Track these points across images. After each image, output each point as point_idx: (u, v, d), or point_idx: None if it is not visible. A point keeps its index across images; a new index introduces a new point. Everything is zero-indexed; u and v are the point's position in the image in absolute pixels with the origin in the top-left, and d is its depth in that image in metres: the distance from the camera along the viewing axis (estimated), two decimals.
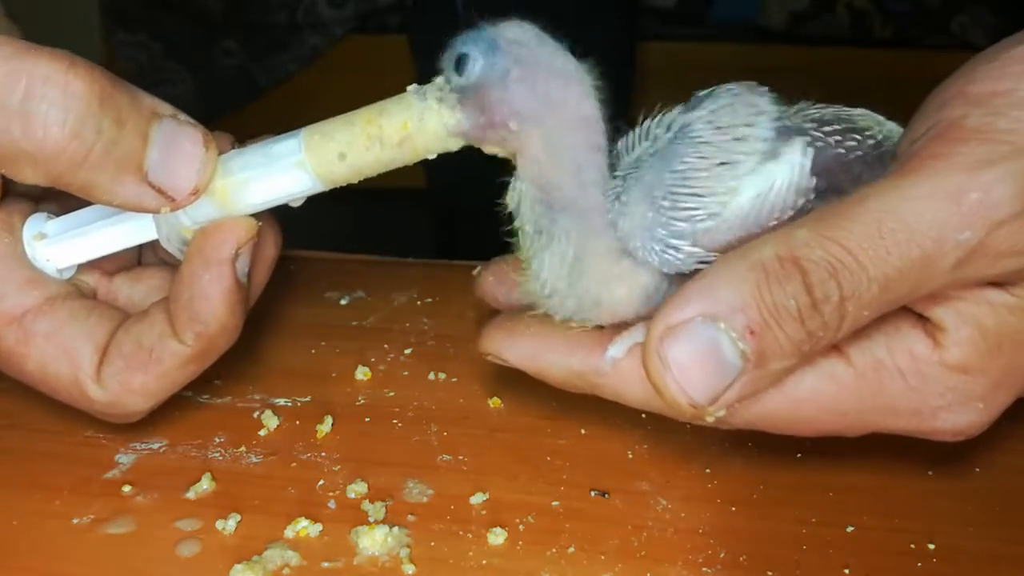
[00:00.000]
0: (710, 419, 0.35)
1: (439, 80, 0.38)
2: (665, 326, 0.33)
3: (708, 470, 0.43)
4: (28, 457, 0.45)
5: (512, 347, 0.40)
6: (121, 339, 0.41)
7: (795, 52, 1.93)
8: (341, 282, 0.58)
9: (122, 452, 0.45)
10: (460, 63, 0.37)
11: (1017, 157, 0.33)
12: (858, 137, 0.37)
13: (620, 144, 0.40)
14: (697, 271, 0.36)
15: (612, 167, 0.39)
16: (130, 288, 0.45)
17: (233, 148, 0.41)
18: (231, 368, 0.51)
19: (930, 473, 0.43)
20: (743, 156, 0.36)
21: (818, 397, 0.36)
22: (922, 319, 0.35)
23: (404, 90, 0.39)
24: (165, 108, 0.39)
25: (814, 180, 0.36)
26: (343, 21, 1.97)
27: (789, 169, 0.36)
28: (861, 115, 0.39)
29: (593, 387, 0.39)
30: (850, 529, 0.41)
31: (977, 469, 0.43)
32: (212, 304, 0.40)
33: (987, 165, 0.33)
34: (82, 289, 0.44)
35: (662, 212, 0.36)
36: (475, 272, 0.44)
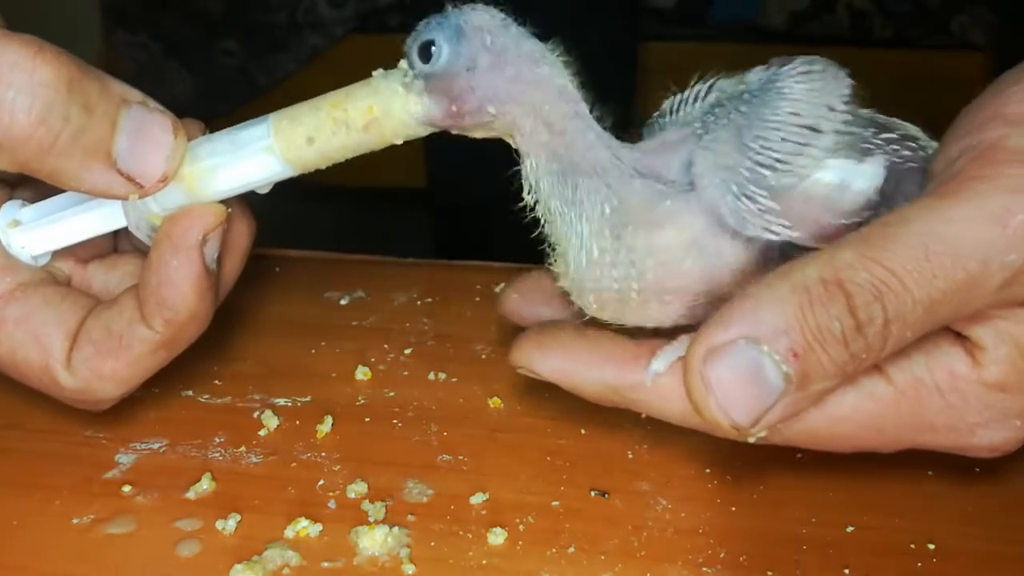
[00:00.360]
0: (751, 439, 0.35)
1: (403, 65, 0.38)
2: (707, 347, 0.33)
3: (708, 470, 0.43)
4: (28, 457, 0.45)
5: (544, 360, 0.39)
6: (91, 325, 0.41)
7: (795, 52, 1.93)
8: (341, 282, 0.58)
9: (122, 452, 0.45)
10: (425, 50, 0.37)
11: None
12: (913, 145, 0.37)
13: (665, 105, 0.39)
14: (763, 232, 0.35)
15: (651, 129, 0.38)
16: (104, 275, 0.45)
17: (203, 135, 0.41)
18: (231, 368, 0.51)
19: (930, 473, 0.43)
20: (827, 128, 0.36)
21: (858, 415, 0.36)
22: (960, 337, 0.35)
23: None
24: (134, 94, 0.38)
25: (879, 198, 0.36)
26: (343, 21, 1.97)
27: (870, 178, 0.36)
28: (899, 122, 0.39)
29: (628, 402, 0.38)
30: (850, 529, 0.41)
31: (977, 469, 0.43)
32: (179, 290, 0.40)
33: None
34: (57, 276, 0.44)
35: (749, 154, 0.35)
36: (497, 290, 0.44)
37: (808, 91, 0.36)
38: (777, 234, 0.36)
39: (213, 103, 1.97)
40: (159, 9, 2.00)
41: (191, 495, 0.43)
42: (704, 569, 0.39)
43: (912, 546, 0.40)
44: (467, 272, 0.60)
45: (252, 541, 0.40)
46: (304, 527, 0.41)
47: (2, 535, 0.41)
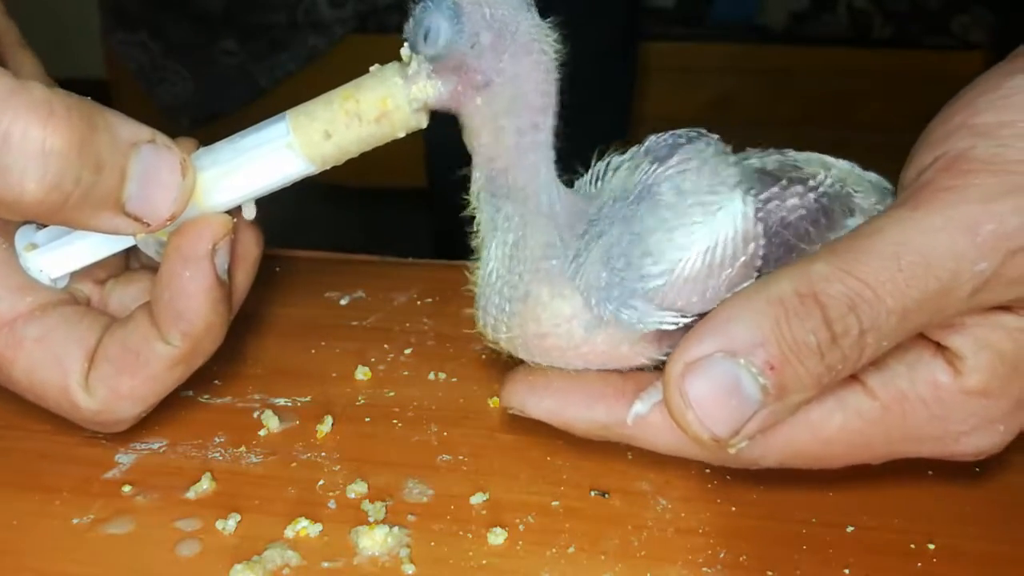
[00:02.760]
0: (732, 451, 0.35)
1: (405, 51, 0.38)
2: (684, 362, 0.34)
3: (708, 470, 0.43)
4: (28, 457, 0.45)
5: (535, 402, 0.40)
6: (107, 343, 0.41)
7: (795, 52, 1.93)
8: (341, 282, 0.58)
9: (122, 452, 0.45)
10: (428, 34, 0.37)
11: None
12: (800, 188, 0.38)
13: (589, 175, 0.41)
14: (658, 328, 0.37)
15: (575, 191, 0.40)
16: (120, 293, 0.45)
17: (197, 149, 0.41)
18: (231, 368, 0.51)
19: (930, 473, 0.43)
20: (699, 218, 0.37)
21: (846, 433, 0.37)
22: (940, 348, 0.36)
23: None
24: (143, 134, 0.38)
25: (760, 225, 0.37)
26: (343, 21, 1.97)
27: (732, 220, 0.37)
28: (806, 160, 0.40)
29: (621, 437, 0.39)
30: (850, 529, 0.41)
31: (977, 469, 0.43)
32: (194, 302, 0.40)
33: (1000, 196, 0.33)
34: (77, 297, 0.44)
35: (616, 272, 0.37)
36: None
37: (679, 195, 0.37)
38: (674, 324, 0.37)
39: (213, 103, 1.97)
40: (159, 9, 2.00)
41: (191, 495, 0.43)
42: (704, 569, 0.39)
43: (912, 546, 0.40)
44: (467, 272, 0.60)
45: (252, 541, 0.40)
46: (304, 527, 0.41)
47: (2, 535, 0.41)
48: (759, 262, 0.37)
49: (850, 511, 0.41)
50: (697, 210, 0.37)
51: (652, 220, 0.37)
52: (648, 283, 0.37)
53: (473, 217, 0.39)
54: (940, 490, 0.42)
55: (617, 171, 0.40)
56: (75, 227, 0.39)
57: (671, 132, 0.40)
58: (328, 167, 0.40)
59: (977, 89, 0.37)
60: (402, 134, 0.39)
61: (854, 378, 0.36)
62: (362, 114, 0.38)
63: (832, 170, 0.40)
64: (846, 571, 0.39)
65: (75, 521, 0.41)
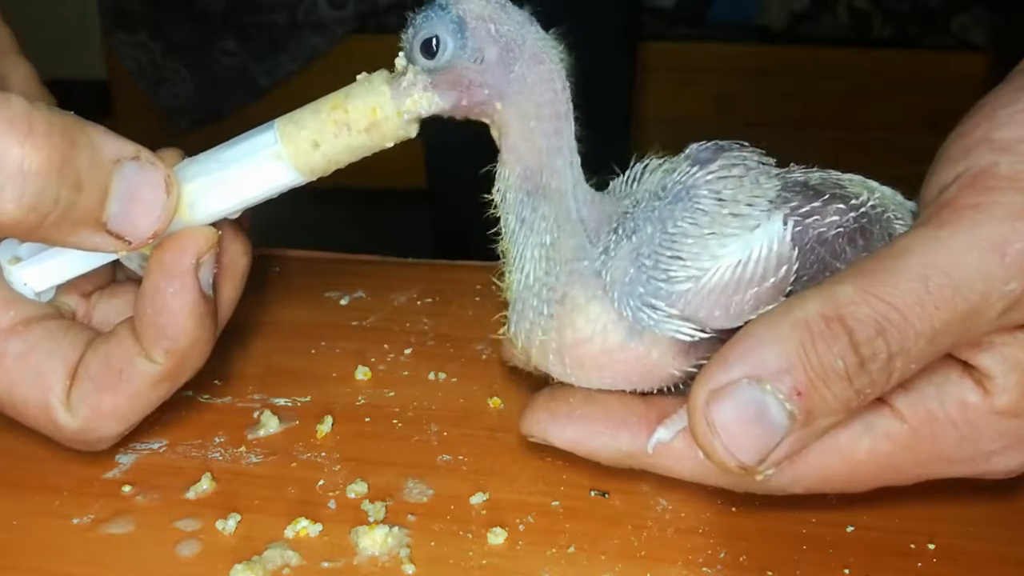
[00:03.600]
0: (759, 478, 0.35)
1: (400, 61, 0.38)
2: (709, 389, 0.33)
3: None
4: (28, 457, 0.45)
5: (557, 431, 0.40)
6: (88, 360, 0.40)
7: (795, 52, 1.93)
8: (341, 282, 0.58)
9: (122, 452, 0.45)
10: (427, 46, 0.36)
11: None
12: (841, 206, 0.37)
13: (624, 175, 0.40)
14: (672, 335, 0.36)
15: (607, 193, 0.39)
16: (105, 307, 0.45)
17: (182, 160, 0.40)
18: (231, 368, 0.51)
19: None
20: (735, 230, 0.36)
21: (876, 457, 0.36)
22: (968, 367, 0.35)
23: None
24: (127, 149, 0.37)
25: (796, 251, 0.36)
26: (343, 21, 1.97)
27: (769, 239, 0.36)
28: (849, 180, 0.39)
29: (644, 465, 0.39)
30: (850, 529, 0.41)
31: None
32: (177, 318, 0.39)
33: None
34: (62, 311, 0.43)
35: (643, 270, 0.36)
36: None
37: (718, 202, 0.37)
38: (690, 336, 0.37)
39: (213, 103, 1.97)
40: (159, 9, 2.01)
41: (191, 495, 0.43)
42: (704, 569, 0.39)
43: (912, 546, 0.40)
44: (467, 272, 0.60)
45: (252, 541, 0.40)
46: (304, 527, 0.41)
47: (2, 535, 0.41)
48: (789, 288, 0.36)
49: (850, 511, 0.41)
50: (734, 221, 0.36)
51: (687, 223, 0.36)
52: (674, 286, 0.36)
53: (488, 218, 0.39)
54: (940, 490, 0.42)
55: (654, 172, 0.39)
56: (55, 245, 0.38)
57: (714, 141, 0.39)
58: (316, 178, 0.39)
59: (994, 103, 0.36)
60: (391, 144, 0.38)
61: (882, 400, 0.36)
62: (351, 124, 0.37)
63: (875, 193, 0.39)
64: (846, 571, 0.39)
65: (75, 521, 0.41)
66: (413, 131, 0.38)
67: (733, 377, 0.33)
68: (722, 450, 0.34)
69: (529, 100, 0.37)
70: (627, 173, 0.40)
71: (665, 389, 0.39)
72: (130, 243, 0.37)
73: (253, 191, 0.39)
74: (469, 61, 0.36)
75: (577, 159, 0.38)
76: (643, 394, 0.39)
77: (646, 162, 0.40)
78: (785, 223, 0.36)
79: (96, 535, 0.41)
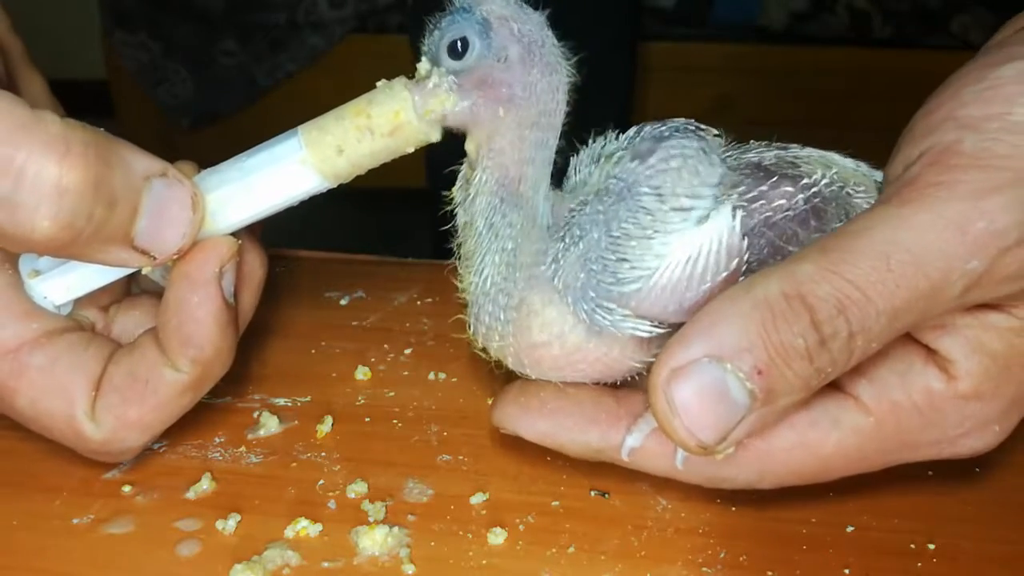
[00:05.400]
0: (719, 456, 0.35)
1: (423, 66, 0.38)
2: (670, 368, 0.33)
3: None
4: (28, 457, 0.45)
5: (528, 425, 0.40)
6: (112, 372, 0.40)
7: (795, 52, 1.93)
8: (341, 282, 0.58)
9: None
10: (454, 47, 0.37)
11: (1019, 184, 0.33)
12: (790, 189, 0.37)
13: (574, 162, 0.40)
14: (631, 334, 0.37)
15: (561, 191, 0.40)
16: (123, 319, 0.45)
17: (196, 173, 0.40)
18: (231, 368, 0.51)
19: (930, 473, 0.43)
20: (678, 225, 0.36)
21: (843, 450, 0.36)
22: (930, 352, 0.36)
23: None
24: (156, 167, 0.37)
25: (746, 241, 0.36)
26: (343, 21, 1.97)
27: (719, 233, 0.36)
28: (807, 157, 0.39)
29: (615, 460, 0.39)
30: (850, 529, 0.41)
31: (977, 469, 0.43)
32: (203, 327, 0.39)
33: (990, 193, 0.33)
34: (82, 323, 0.43)
35: (593, 275, 0.37)
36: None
37: (658, 199, 0.37)
38: (648, 332, 0.37)
39: (213, 103, 1.97)
40: (159, 9, 2.00)
41: (191, 495, 0.43)
42: (704, 569, 0.39)
43: (912, 546, 0.40)
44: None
45: (252, 541, 0.40)
46: (304, 527, 0.41)
47: (2, 535, 0.41)
48: (741, 278, 0.36)
49: (850, 511, 0.41)
50: (675, 216, 0.36)
51: (630, 224, 0.37)
52: (624, 287, 0.36)
53: (452, 201, 0.39)
54: (940, 490, 0.42)
55: (601, 164, 0.39)
56: (83, 260, 0.38)
57: (662, 122, 0.39)
58: (338, 184, 0.39)
59: (961, 80, 0.36)
60: (412, 149, 0.39)
61: (847, 393, 0.36)
62: (374, 128, 0.38)
63: (832, 169, 0.39)
64: (846, 571, 0.39)
65: (75, 521, 0.41)
66: (435, 135, 0.39)
67: (693, 356, 0.33)
68: (682, 429, 0.33)
69: (534, 108, 0.37)
70: (577, 158, 0.40)
71: (628, 379, 0.39)
72: (155, 259, 0.38)
73: (277, 198, 0.39)
74: (494, 60, 0.37)
75: (551, 169, 0.38)
76: (613, 385, 0.40)
77: (594, 146, 0.40)
78: (734, 214, 0.36)
79: (96, 535, 0.41)
